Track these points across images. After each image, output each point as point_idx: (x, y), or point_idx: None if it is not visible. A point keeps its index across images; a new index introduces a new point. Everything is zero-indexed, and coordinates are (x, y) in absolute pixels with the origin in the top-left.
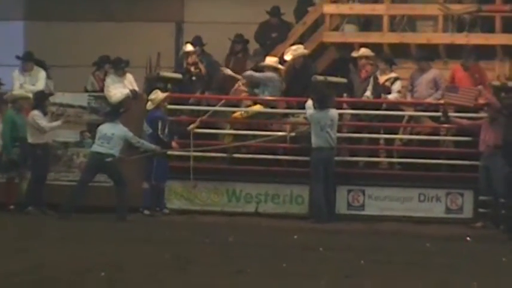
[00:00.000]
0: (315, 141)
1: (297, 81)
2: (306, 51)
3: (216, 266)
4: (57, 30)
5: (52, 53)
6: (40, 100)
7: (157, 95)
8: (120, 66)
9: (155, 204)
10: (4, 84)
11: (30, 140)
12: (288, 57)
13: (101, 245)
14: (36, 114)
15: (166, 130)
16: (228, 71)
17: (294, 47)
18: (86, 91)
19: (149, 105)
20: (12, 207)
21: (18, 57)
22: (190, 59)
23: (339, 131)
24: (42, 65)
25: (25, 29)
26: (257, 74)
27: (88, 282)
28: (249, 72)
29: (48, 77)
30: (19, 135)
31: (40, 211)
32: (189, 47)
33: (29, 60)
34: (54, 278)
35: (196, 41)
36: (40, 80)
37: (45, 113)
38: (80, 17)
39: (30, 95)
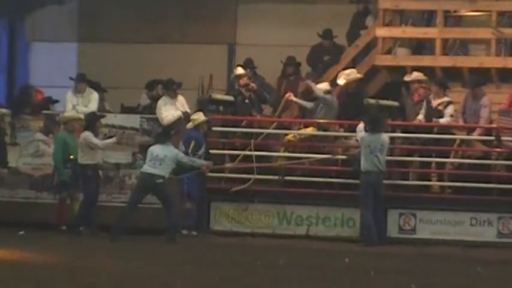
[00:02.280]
0: (363, 164)
1: (350, 106)
2: (359, 76)
3: None
4: (110, 52)
5: (104, 75)
6: (91, 121)
7: (199, 116)
8: (172, 88)
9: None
10: (58, 102)
11: (80, 160)
12: (341, 81)
13: (151, 266)
14: (88, 134)
15: (200, 151)
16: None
17: (347, 71)
18: (137, 111)
19: (189, 125)
20: (64, 227)
21: (71, 79)
22: (242, 81)
23: (390, 154)
24: (97, 86)
25: (78, 50)
26: (317, 90)
27: None
28: (312, 85)
29: (103, 98)
30: (70, 154)
31: (91, 232)
32: (239, 70)
33: (82, 82)
34: None
35: (248, 64)
36: (92, 102)
37: (96, 134)
38: (133, 38)
39: (82, 116)
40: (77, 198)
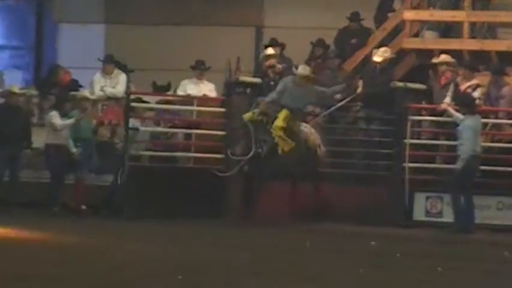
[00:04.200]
0: (470, 147)
1: (374, 85)
2: (393, 56)
3: (292, 271)
4: (137, 33)
5: (131, 57)
6: (60, 100)
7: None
8: (199, 68)
9: None
10: (82, 86)
11: (45, 140)
12: (377, 58)
13: (179, 248)
14: (52, 114)
15: None
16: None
17: (382, 49)
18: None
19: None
20: (83, 207)
21: (100, 60)
22: (269, 62)
23: (417, 138)
24: (123, 67)
25: (105, 32)
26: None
27: (166, 284)
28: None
29: (129, 80)
30: (82, 136)
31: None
32: (269, 50)
33: (110, 63)
34: (132, 280)
35: (274, 43)
36: (120, 83)
37: (64, 114)
38: (160, 20)
39: (89, 96)
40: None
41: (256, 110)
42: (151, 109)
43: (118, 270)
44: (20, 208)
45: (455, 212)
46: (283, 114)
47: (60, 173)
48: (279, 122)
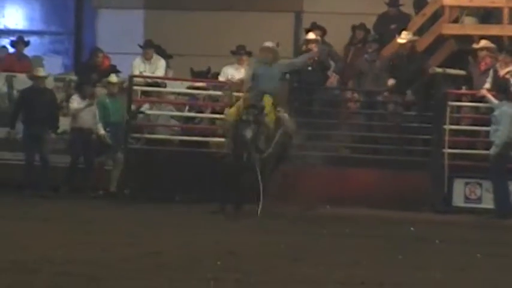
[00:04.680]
0: (507, 135)
1: (403, 69)
2: (415, 38)
3: (331, 257)
4: (176, 19)
5: (170, 42)
6: (79, 84)
7: None
8: (239, 53)
9: None
10: (120, 72)
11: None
12: (402, 40)
13: (217, 233)
14: (72, 98)
15: None
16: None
17: (405, 32)
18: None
19: None
20: (101, 192)
21: (140, 46)
22: (309, 47)
23: (457, 123)
24: (162, 53)
25: (144, 17)
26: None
27: (204, 269)
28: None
29: (168, 65)
30: (111, 120)
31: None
32: (311, 35)
33: (150, 48)
34: (170, 265)
35: (314, 26)
36: (159, 68)
37: (84, 97)
38: (199, 6)
39: (118, 80)
40: (117, 161)
41: (239, 104)
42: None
43: (158, 255)
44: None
45: (495, 198)
46: (268, 102)
47: (86, 156)
48: (271, 115)
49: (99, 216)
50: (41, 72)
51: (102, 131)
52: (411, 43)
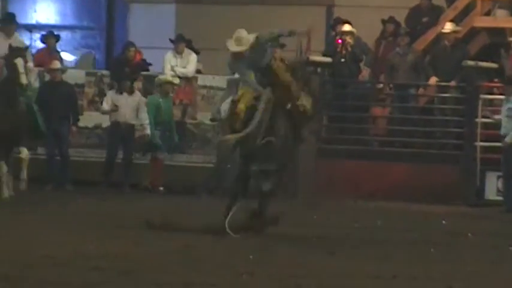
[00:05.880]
0: None
1: (446, 61)
2: (458, 29)
3: (363, 251)
4: (207, 13)
5: (201, 36)
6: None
7: None
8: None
9: None
10: (151, 65)
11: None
12: (445, 30)
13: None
14: (107, 94)
15: None
16: None
17: (449, 23)
18: None
19: None
20: (161, 188)
21: (171, 41)
22: (347, 39)
23: (488, 117)
24: (193, 47)
25: (176, 12)
26: None
27: (236, 263)
28: None
29: (199, 60)
30: (162, 118)
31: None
32: (346, 27)
33: (181, 42)
34: (200, 259)
35: (338, 21)
36: (191, 63)
37: (121, 91)
38: (231, 0)
39: (174, 80)
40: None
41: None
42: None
43: (191, 248)
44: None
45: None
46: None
47: (123, 151)
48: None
49: (130, 211)
50: (56, 65)
51: (148, 130)
52: (455, 33)
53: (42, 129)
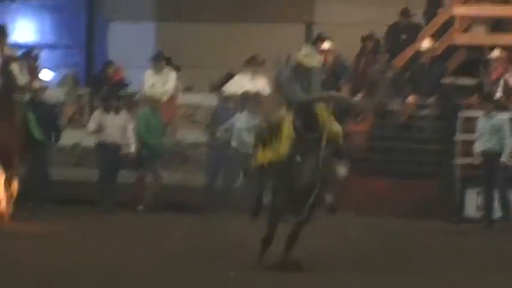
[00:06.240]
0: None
1: (423, 78)
2: (436, 46)
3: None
4: (187, 31)
5: (182, 54)
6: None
7: None
8: (252, 64)
9: None
10: (128, 85)
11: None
12: (425, 45)
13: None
14: (93, 115)
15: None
16: None
17: (427, 39)
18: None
19: None
20: (140, 207)
21: (151, 59)
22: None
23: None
24: (173, 64)
25: (156, 30)
26: None
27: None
28: None
29: (178, 77)
30: (151, 136)
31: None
32: (326, 45)
33: (160, 60)
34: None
35: (320, 37)
36: (170, 80)
37: (108, 111)
38: (210, 17)
39: (158, 96)
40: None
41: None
42: None
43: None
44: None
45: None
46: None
47: (109, 171)
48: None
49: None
50: (36, 84)
51: (132, 148)
52: (432, 51)
53: (38, 137)
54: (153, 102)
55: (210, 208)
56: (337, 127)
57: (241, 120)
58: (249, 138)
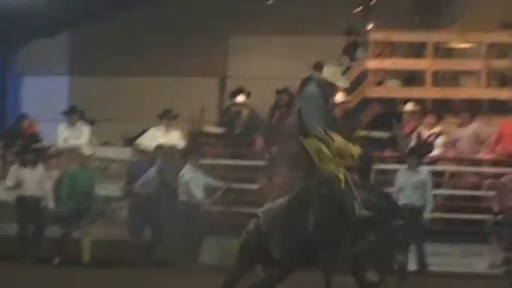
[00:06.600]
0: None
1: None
2: (348, 99)
3: None
4: (101, 84)
5: (96, 108)
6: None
7: None
8: (167, 117)
9: None
10: (41, 141)
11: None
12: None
13: None
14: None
15: None
16: None
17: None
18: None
19: None
20: (57, 260)
21: (64, 113)
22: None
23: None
24: (86, 118)
25: (69, 83)
26: None
27: None
28: None
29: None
30: (78, 189)
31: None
32: (240, 98)
33: (74, 114)
34: None
35: (240, 91)
36: (84, 135)
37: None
38: (123, 71)
39: (88, 151)
40: (88, 233)
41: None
42: None
43: None
44: None
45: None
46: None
47: (30, 225)
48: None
49: None
50: None
51: (51, 204)
52: (344, 104)
53: None
54: (82, 159)
55: (139, 263)
56: None
57: (188, 173)
58: (197, 190)
